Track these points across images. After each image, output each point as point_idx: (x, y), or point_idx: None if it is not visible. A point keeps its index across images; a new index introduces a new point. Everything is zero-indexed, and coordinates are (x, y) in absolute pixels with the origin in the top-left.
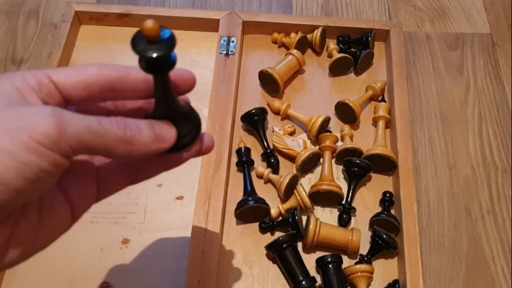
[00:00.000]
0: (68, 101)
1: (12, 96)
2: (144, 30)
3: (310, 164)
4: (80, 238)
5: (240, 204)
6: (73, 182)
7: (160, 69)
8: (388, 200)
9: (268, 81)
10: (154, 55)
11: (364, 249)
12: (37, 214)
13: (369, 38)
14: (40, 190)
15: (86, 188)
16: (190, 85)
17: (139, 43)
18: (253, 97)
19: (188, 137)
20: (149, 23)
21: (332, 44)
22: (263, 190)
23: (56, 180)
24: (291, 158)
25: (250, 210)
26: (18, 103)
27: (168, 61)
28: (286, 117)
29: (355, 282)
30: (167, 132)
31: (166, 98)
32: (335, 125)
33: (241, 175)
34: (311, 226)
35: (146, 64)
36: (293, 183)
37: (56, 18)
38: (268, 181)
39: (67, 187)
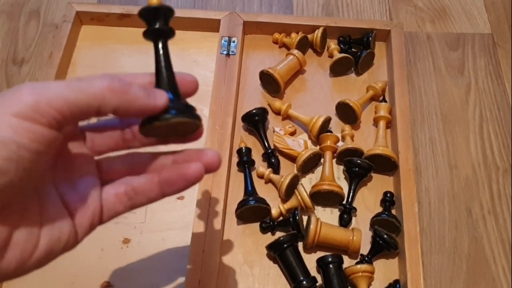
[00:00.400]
0: None
1: None
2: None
3: (310, 164)
4: None
5: (241, 204)
6: (76, 199)
7: (160, 19)
8: (389, 200)
9: (269, 81)
10: (155, 3)
11: (364, 249)
12: (38, 220)
13: (370, 38)
14: (29, 171)
15: (89, 207)
16: (193, 87)
17: (143, 8)
18: (254, 97)
19: (185, 109)
20: None
21: (333, 44)
22: (263, 190)
23: (48, 161)
24: (292, 158)
25: (251, 210)
26: None
27: (167, 16)
28: (287, 117)
29: (356, 282)
30: (159, 92)
31: (165, 69)
32: (336, 125)
33: (241, 175)
34: (312, 226)
35: (147, 16)
36: (293, 183)
37: (57, 19)
38: (269, 181)
39: (70, 204)
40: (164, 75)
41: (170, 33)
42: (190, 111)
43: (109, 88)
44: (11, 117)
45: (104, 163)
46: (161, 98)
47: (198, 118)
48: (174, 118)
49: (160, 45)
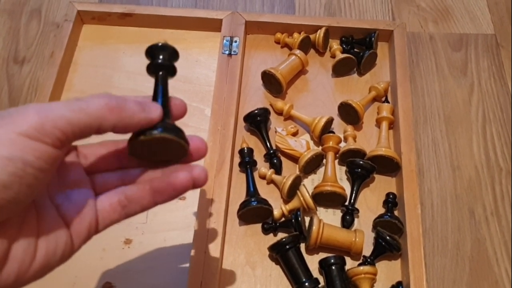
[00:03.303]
0: None
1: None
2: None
3: (313, 165)
4: None
5: (243, 205)
6: (73, 210)
7: (168, 66)
8: (391, 202)
9: (271, 81)
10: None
11: (367, 251)
12: (35, 232)
13: (373, 39)
14: (32, 187)
15: (85, 217)
16: (181, 110)
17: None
18: (256, 98)
19: (172, 128)
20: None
21: (335, 45)
22: (266, 191)
23: (49, 178)
24: (294, 159)
25: (253, 211)
26: None
27: (171, 54)
28: (289, 117)
29: (358, 283)
30: (153, 105)
31: (162, 96)
32: (338, 126)
33: (243, 175)
34: (314, 227)
35: (152, 52)
36: (296, 184)
37: (58, 18)
38: (271, 181)
39: (66, 214)
40: (160, 100)
41: (171, 68)
42: (178, 132)
43: (107, 107)
44: (17, 135)
45: (96, 175)
46: (156, 110)
47: (184, 140)
48: (159, 134)
49: (160, 78)
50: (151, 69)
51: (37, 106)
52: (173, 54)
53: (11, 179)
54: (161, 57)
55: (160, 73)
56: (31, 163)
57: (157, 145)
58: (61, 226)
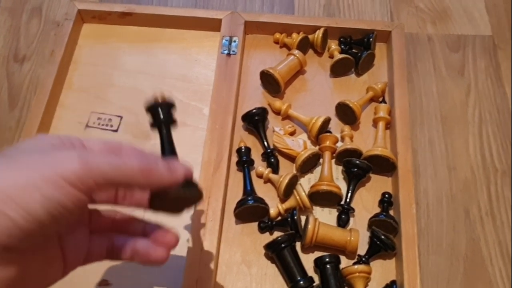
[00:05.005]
0: None
1: (47, 148)
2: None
3: (310, 164)
4: None
5: (240, 204)
6: (72, 244)
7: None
8: (387, 201)
9: (269, 81)
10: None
11: (362, 250)
12: (40, 263)
13: (371, 39)
14: (59, 225)
15: (81, 252)
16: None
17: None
18: (254, 97)
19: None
20: None
21: (333, 45)
22: (262, 190)
23: (74, 219)
24: (291, 158)
25: (249, 209)
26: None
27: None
28: (287, 117)
29: (353, 282)
30: (178, 165)
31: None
32: (336, 125)
33: (241, 174)
34: (310, 226)
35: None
36: (292, 183)
37: (59, 16)
38: (268, 180)
39: (65, 248)
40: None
41: (172, 122)
42: (197, 187)
43: (140, 170)
44: (60, 178)
45: (93, 215)
46: (181, 174)
47: (201, 193)
48: (183, 192)
49: (164, 131)
50: (156, 126)
51: (83, 155)
52: (171, 107)
53: (47, 217)
54: (162, 116)
55: (164, 128)
56: (66, 206)
57: (178, 200)
58: (58, 257)
